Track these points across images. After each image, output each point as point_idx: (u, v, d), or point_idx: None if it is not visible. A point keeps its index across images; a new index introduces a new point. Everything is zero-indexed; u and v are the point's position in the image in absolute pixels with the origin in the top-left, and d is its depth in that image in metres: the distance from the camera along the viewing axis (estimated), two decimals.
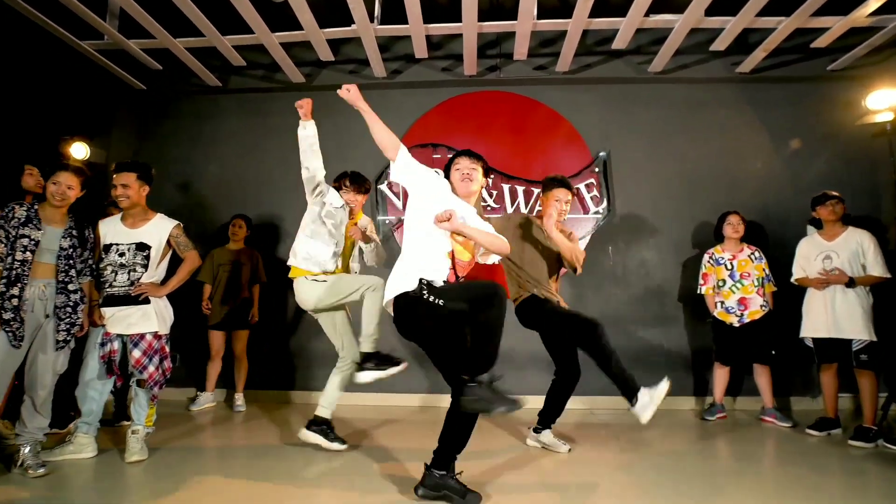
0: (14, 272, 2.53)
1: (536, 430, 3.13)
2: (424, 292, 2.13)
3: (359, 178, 3.34)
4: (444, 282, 2.26)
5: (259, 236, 4.56)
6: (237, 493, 2.40)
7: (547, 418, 3.10)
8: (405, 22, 3.89)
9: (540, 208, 3.42)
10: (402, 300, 2.22)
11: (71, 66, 4.34)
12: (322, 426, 2.99)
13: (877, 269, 3.29)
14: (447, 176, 2.59)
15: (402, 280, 2.23)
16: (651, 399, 2.61)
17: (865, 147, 4.34)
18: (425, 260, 2.28)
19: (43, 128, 4.20)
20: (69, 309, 2.65)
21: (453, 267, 2.34)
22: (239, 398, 4.13)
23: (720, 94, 4.59)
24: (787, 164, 4.49)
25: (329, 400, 3.04)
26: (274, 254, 4.59)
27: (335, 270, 3.07)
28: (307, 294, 2.98)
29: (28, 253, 2.58)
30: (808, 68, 4.44)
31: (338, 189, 3.27)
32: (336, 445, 2.97)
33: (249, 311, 4.27)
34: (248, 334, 4.27)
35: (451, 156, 2.64)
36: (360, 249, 3.35)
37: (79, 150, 4.22)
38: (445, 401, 2.30)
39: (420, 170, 2.44)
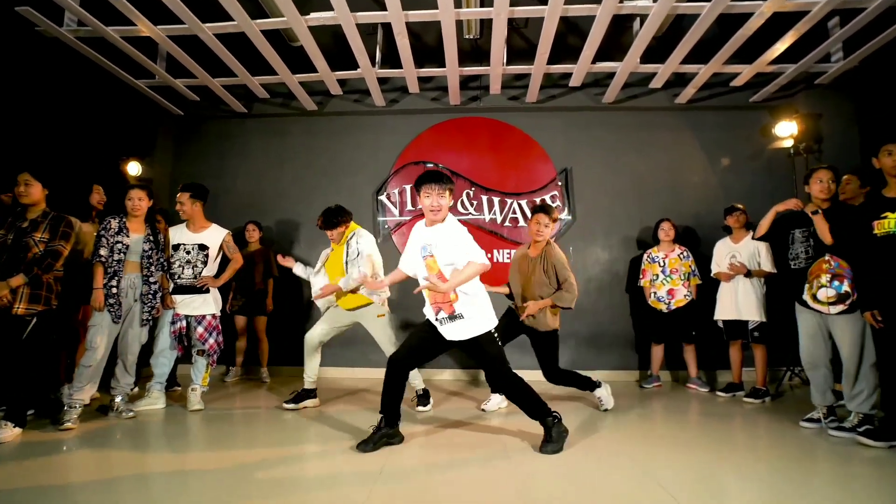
0: (112, 269, 3.38)
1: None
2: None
3: (324, 215, 3.80)
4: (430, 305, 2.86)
5: (277, 239, 5.47)
6: (268, 432, 3.32)
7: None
8: (401, 62, 4.78)
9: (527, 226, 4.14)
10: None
11: (120, 98, 5.21)
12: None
13: (767, 265, 4.21)
14: (418, 192, 2.80)
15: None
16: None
17: (782, 165, 5.25)
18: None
19: (100, 150, 5.07)
20: (150, 296, 3.52)
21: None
22: (264, 371, 5.04)
23: (663, 119, 5.50)
24: (719, 178, 5.40)
25: None
26: (290, 253, 5.47)
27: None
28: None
29: (121, 254, 3.42)
30: (735, 99, 5.35)
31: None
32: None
33: (265, 300, 5.10)
34: (267, 320, 5.13)
35: (420, 177, 2.78)
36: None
37: (133, 168, 5.11)
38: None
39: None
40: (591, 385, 3.68)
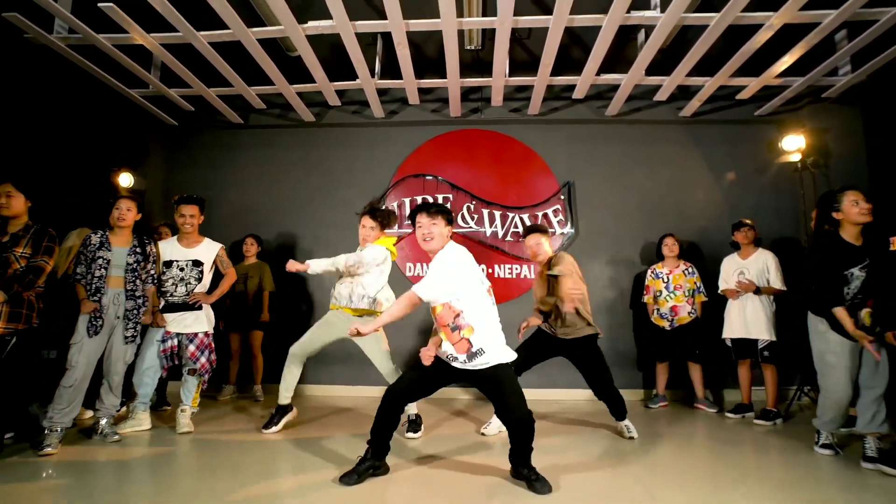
0: (94, 285, 3.24)
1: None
2: None
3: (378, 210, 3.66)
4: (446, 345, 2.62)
5: (274, 252, 5.33)
6: (261, 454, 3.15)
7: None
8: (401, 73, 4.68)
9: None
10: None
11: (113, 107, 5.11)
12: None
13: (777, 282, 4.10)
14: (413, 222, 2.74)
15: None
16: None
17: (789, 179, 5.15)
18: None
19: (90, 160, 4.96)
20: (136, 312, 3.37)
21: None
22: (258, 389, 4.86)
23: (668, 133, 5.41)
24: (724, 193, 5.29)
25: None
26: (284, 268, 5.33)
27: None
28: None
29: (103, 270, 3.28)
30: (740, 113, 5.27)
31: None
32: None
33: (261, 315, 4.94)
34: (262, 335, 4.97)
35: (413, 211, 2.75)
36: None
37: (125, 179, 4.98)
38: None
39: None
40: (624, 413, 3.59)
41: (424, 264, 5.22)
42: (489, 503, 2.42)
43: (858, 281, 2.94)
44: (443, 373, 2.68)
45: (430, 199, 5.14)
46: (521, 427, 2.53)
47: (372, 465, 2.66)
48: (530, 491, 2.50)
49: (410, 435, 3.54)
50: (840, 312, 2.89)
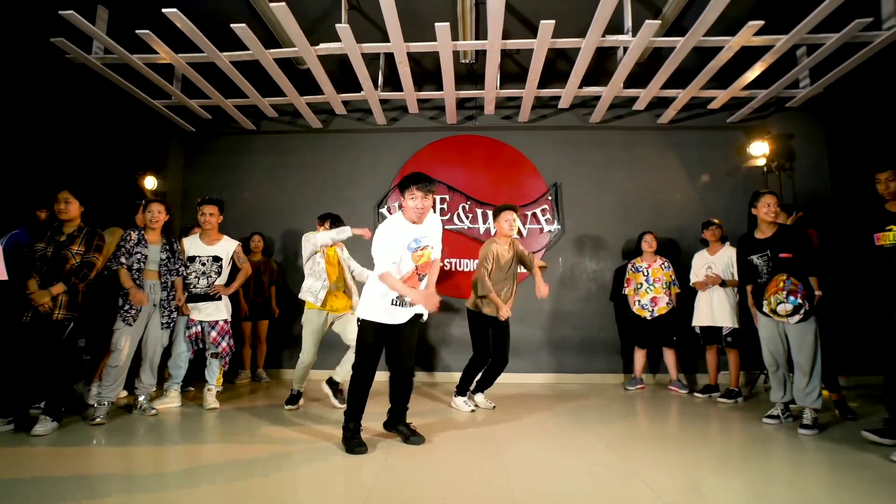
0: (132, 277, 3.71)
1: (473, 392, 4.19)
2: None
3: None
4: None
5: (282, 249, 5.80)
6: (273, 427, 3.62)
7: (482, 386, 4.21)
8: (401, 86, 5.12)
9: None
10: None
11: (137, 115, 5.55)
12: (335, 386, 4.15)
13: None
14: (402, 192, 2.98)
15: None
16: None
17: (757, 181, 5.58)
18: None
19: (117, 165, 5.41)
20: (168, 301, 3.84)
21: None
22: (262, 372, 5.41)
23: (647, 139, 5.86)
24: (699, 193, 5.75)
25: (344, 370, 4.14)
26: (294, 263, 5.81)
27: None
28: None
29: (140, 264, 3.74)
30: (713, 120, 5.72)
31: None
32: (336, 402, 4.11)
33: (270, 307, 5.45)
34: (268, 324, 5.48)
35: (405, 178, 2.96)
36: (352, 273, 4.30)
37: (149, 182, 5.43)
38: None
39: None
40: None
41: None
42: (492, 460, 2.88)
43: (762, 267, 3.65)
44: (384, 335, 3.06)
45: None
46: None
47: (357, 426, 3.04)
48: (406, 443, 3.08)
49: (337, 404, 4.07)
50: (747, 289, 3.82)
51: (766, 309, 3.57)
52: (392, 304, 3.01)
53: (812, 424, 3.35)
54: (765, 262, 3.63)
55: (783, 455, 2.99)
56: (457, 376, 4.24)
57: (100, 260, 3.46)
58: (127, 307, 3.62)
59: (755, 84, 4.99)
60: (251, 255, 5.45)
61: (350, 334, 3.99)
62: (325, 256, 4.03)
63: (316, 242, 3.94)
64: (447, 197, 5.80)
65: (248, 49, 4.27)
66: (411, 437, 3.12)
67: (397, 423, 3.20)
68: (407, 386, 3.16)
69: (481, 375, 4.13)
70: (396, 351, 3.10)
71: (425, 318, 3.24)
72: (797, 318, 3.41)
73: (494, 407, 4.16)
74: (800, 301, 3.39)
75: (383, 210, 5.86)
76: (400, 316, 3.04)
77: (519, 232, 5.56)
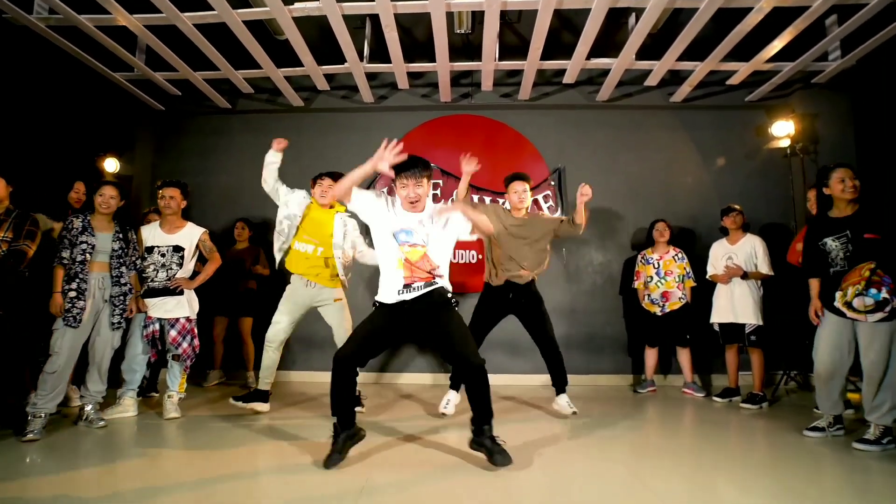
0: (73, 271, 3.17)
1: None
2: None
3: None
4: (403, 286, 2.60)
5: (263, 236, 5.29)
6: (246, 439, 3.15)
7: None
8: (390, 57, 4.63)
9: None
10: None
11: (97, 91, 5.02)
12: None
13: (764, 267, 4.12)
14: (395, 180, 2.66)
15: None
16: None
17: (778, 165, 5.16)
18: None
19: (78, 146, 4.88)
20: (122, 297, 3.34)
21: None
22: (250, 375, 4.83)
23: (658, 118, 5.40)
24: (714, 178, 5.31)
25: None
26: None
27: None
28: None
29: (86, 255, 3.21)
30: (730, 98, 5.26)
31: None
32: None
33: (252, 300, 4.92)
34: (252, 321, 4.94)
35: (395, 166, 2.53)
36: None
37: (111, 165, 4.91)
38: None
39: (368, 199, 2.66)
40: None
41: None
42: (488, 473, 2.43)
43: (837, 252, 3.06)
44: (389, 330, 2.64)
45: None
46: (478, 373, 2.54)
47: (347, 436, 2.57)
48: (491, 463, 2.48)
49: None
50: (812, 282, 3.18)
51: (838, 302, 2.99)
52: (398, 293, 2.58)
53: (874, 440, 2.84)
54: (842, 246, 3.03)
55: (841, 476, 2.53)
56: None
57: (31, 248, 2.95)
58: (69, 306, 3.13)
59: (778, 57, 4.53)
60: (237, 244, 4.96)
61: (340, 331, 3.58)
62: (309, 216, 3.70)
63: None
64: (440, 182, 5.31)
65: (212, 9, 3.75)
66: (495, 454, 2.47)
67: (481, 437, 2.56)
68: (477, 384, 2.55)
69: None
70: (447, 344, 2.59)
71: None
72: (879, 315, 2.86)
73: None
74: (885, 296, 2.84)
75: None
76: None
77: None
